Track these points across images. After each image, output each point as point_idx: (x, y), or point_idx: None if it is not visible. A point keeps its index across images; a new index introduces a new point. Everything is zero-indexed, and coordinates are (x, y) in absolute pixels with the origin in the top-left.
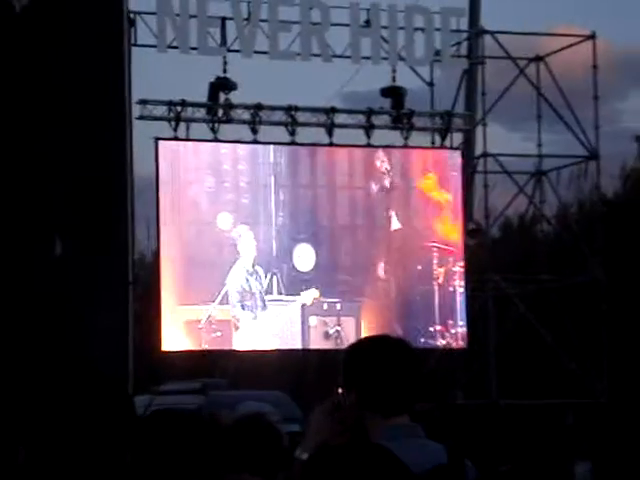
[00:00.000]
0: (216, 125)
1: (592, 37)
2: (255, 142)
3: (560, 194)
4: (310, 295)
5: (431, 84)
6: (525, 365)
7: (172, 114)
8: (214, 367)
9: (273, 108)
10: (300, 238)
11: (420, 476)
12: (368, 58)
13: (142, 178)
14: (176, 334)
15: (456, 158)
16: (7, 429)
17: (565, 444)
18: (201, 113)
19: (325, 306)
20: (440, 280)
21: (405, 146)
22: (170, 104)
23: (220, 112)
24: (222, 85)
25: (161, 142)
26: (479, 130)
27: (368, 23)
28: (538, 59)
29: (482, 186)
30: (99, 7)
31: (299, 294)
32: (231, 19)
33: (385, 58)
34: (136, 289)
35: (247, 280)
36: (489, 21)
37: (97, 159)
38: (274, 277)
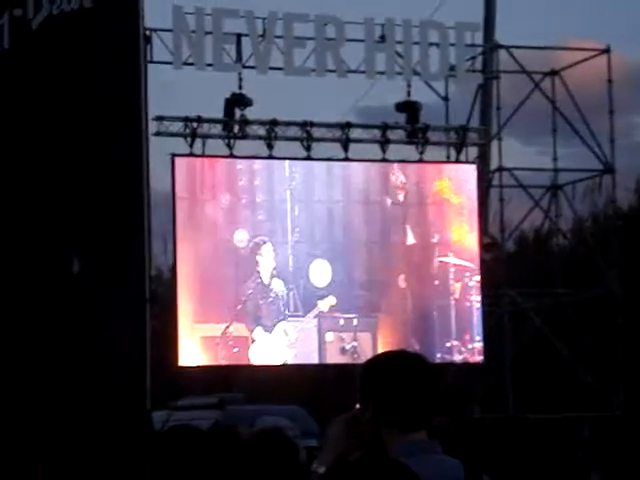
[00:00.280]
0: (232, 141)
1: (607, 51)
2: (271, 157)
3: (576, 208)
4: (327, 303)
5: (446, 99)
6: (541, 379)
7: (188, 130)
8: (231, 382)
9: (288, 124)
10: (316, 254)
11: None
12: (383, 73)
13: (158, 193)
14: (193, 350)
15: (471, 172)
16: (26, 447)
17: (581, 457)
18: (217, 129)
19: (341, 322)
20: (457, 295)
21: (420, 160)
22: (186, 120)
23: (236, 128)
24: (238, 101)
25: (177, 158)
26: (494, 144)
27: (383, 38)
28: (553, 73)
29: (497, 200)
30: (115, 24)
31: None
32: (246, 35)
33: (400, 73)
34: (153, 306)
35: (263, 296)
36: (504, 36)
37: (114, 176)
38: (290, 293)
